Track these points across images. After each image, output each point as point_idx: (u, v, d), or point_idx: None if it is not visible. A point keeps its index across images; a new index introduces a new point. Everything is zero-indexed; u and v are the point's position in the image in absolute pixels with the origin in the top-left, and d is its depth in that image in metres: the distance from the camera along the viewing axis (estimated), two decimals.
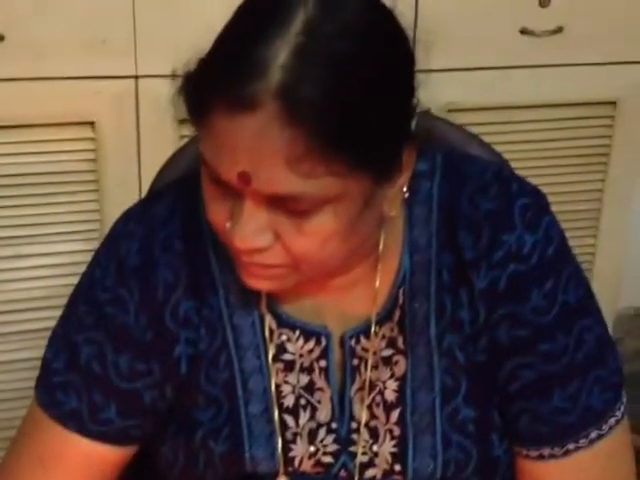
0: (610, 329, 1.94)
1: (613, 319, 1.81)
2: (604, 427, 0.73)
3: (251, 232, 0.64)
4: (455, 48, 1.51)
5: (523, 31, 1.55)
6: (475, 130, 1.09)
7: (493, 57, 1.56)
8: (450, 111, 1.54)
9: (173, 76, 0.65)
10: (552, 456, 0.74)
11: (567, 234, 0.77)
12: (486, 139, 1.00)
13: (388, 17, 0.66)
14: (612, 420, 0.74)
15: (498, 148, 1.00)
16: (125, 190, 1.38)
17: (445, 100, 1.53)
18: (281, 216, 0.64)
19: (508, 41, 1.55)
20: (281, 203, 0.63)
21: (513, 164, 0.98)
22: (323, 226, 0.64)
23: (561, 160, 1.65)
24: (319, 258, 0.66)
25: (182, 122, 0.68)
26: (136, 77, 1.39)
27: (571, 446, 0.73)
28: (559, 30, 1.56)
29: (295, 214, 0.63)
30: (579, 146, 1.66)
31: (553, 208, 0.77)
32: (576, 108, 1.63)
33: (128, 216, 0.78)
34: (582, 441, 0.73)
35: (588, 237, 1.72)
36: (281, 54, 0.59)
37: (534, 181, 0.81)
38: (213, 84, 0.61)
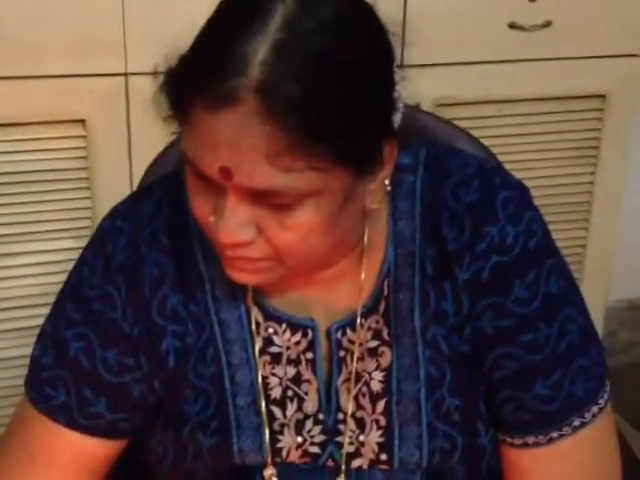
0: (602, 321, 1.94)
1: (605, 311, 1.83)
2: (587, 415, 0.74)
3: (234, 226, 0.65)
4: (444, 43, 1.52)
5: (512, 25, 1.56)
6: (465, 124, 1.10)
7: (482, 52, 1.56)
8: (439, 105, 1.54)
9: (155, 73, 0.66)
10: (536, 444, 0.75)
11: (558, 227, 0.78)
12: (476, 133, 1.01)
13: (368, 12, 0.67)
14: (595, 408, 0.75)
15: (488, 142, 1.01)
16: (116, 187, 1.38)
17: (435, 95, 1.54)
18: (263, 210, 0.65)
19: (497, 36, 1.56)
20: (263, 197, 0.64)
21: (503, 158, 0.98)
22: (305, 220, 0.65)
23: (551, 153, 1.66)
24: (302, 251, 0.67)
25: (166, 119, 0.69)
26: (126, 75, 1.39)
27: (554, 434, 0.74)
28: (548, 24, 1.56)
29: (277, 208, 0.64)
30: (569, 139, 1.66)
31: (544, 201, 0.78)
32: (566, 102, 1.64)
33: (115, 212, 0.79)
34: (565, 429, 0.74)
35: (579, 229, 1.74)
36: (261, 50, 0.60)
37: (524, 175, 0.82)
38: (194, 80, 0.62)
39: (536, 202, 0.78)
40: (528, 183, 0.79)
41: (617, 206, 1.74)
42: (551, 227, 0.78)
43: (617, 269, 1.81)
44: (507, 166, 0.87)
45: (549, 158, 1.66)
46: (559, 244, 0.79)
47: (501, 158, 0.97)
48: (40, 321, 0.81)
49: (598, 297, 1.76)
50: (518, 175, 0.80)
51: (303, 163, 0.62)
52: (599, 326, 1.77)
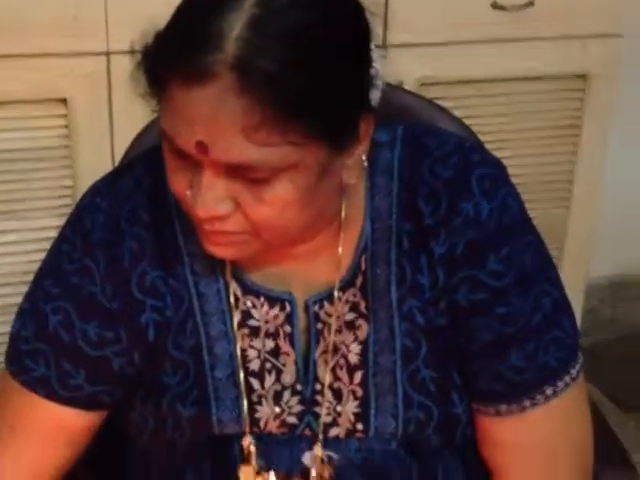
0: (583, 298, 1.95)
1: (586, 288, 1.85)
2: (559, 384, 0.76)
3: (211, 200, 0.66)
4: (427, 23, 1.53)
5: (494, 6, 1.56)
6: (447, 104, 1.10)
7: (465, 31, 1.57)
8: (423, 85, 1.55)
9: (132, 52, 0.66)
10: (509, 412, 0.76)
11: (540, 205, 0.79)
12: (458, 113, 1.02)
13: None
14: (567, 378, 0.76)
15: (470, 121, 1.02)
16: (98, 166, 1.37)
17: (418, 74, 1.54)
18: (240, 185, 0.66)
19: (480, 15, 1.56)
20: (239, 172, 0.65)
21: (485, 137, 0.99)
22: (281, 194, 0.66)
23: (533, 133, 1.67)
24: (279, 225, 0.68)
25: (144, 96, 0.69)
26: (107, 53, 1.39)
27: (527, 403, 0.76)
28: (530, 4, 1.57)
29: (253, 183, 0.65)
30: (550, 119, 1.68)
31: (525, 180, 0.79)
32: (547, 81, 1.65)
33: (95, 190, 0.80)
34: (538, 397, 0.76)
35: (560, 208, 1.75)
36: (236, 26, 0.61)
37: (506, 154, 0.83)
38: (170, 57, 0.63)
39: (518, 181, 0.79)
40: (510, 162, 0.80)
41: (598, 184, 1.76)
42: (533, 206, 0.79)
43: (598, 247, 1.83)
44: (489, 146, 0.88)
45: (531, 137, 1.67)
46: (540, 222, 0.80)
47: (483, 138, 0.98)
48: (21, 299, 0.81)
49: (579, 274, 1.78)
50: (499, 155, 0.81)
51: (279, 137, 0.62)
52: (580, 303, 1.79)
